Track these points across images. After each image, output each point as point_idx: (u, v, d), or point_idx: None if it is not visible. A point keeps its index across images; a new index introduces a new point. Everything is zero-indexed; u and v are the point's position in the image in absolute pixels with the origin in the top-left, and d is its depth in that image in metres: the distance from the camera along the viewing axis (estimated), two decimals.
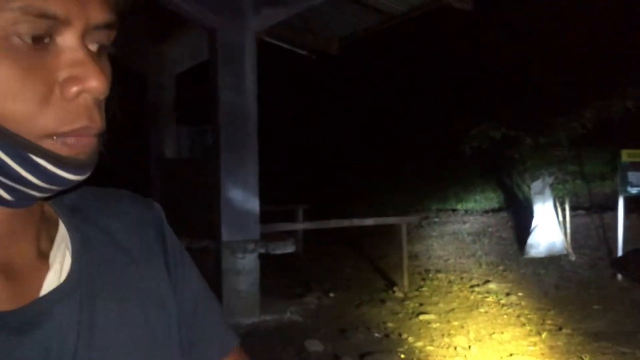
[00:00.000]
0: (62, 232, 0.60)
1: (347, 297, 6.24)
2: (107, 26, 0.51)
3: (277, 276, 6.81)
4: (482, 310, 5.65)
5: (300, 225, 7.87)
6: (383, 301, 6.01)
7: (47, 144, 0.48)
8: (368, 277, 7.14)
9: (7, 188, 0.49)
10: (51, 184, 0.50)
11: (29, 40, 0.46)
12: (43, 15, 0.46)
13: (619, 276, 6.47)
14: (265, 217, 5.56)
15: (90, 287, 0.58)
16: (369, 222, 6.84)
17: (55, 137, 0.48)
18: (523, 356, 4.43)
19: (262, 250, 5.32)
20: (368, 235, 8.85)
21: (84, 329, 0.55)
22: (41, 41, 0.47)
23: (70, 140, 0.49)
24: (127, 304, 0.60)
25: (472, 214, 9.84)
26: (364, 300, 6.09)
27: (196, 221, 5.55)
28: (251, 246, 5.20)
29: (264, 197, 5.51)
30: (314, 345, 4.68)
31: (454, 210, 10.29)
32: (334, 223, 6.69)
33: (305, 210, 8.82)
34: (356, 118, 14.40)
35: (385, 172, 12.42)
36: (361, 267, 7.67)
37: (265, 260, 5.56)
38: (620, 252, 6.84)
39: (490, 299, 6.02)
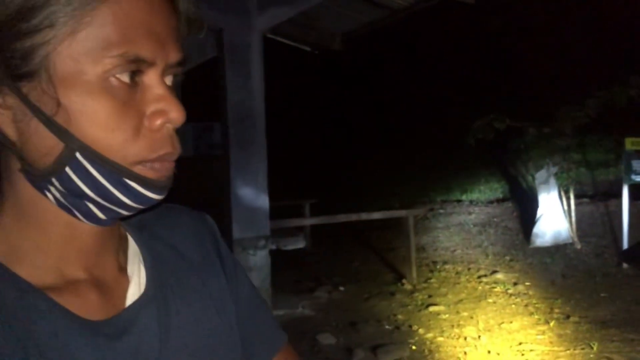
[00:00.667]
0: (133, 247, 0.67)
1: (357, 290, 6.31)
2: (180, 64, 0.59)
3: (287, 271, 6.88)
4: (490, 300, 5.71)
5: (308, 221, 7.89)
6: (392, 294, 6.07)
7: (138, 169, 0.55)
8: (377, 270, 7.20)
9: (103, 208, 0.56)
10: (139, 204, 0.57)
11: (125, 80, 0.53)
12: (136, 60, 0.53)
13: (625, 264, 6.53)
14: (272, 212, 5.60)
15: (163, 295, 0.65)
16: (377, 215, 6.85)
17: (144, 163, 0.55)
18: (532, 345, 4.49)
19: (273, 247, 5.38)
20: (375, 228, 8.91)
21: (163, 333, 0.62)
22: (133, 80, 0.54)
23: (156, 165, 0.56)
24: (194, 308, 0.67)
25: (477, 205, 9.88)
26: (373, 293, 6.16)
27: None
28: (262, 242, 5.25)
29: (271, 193, 5.55)
30: (327, 339, 4.77)
31: (459, 201, 10.33)
32: (342, 217, 6.68)
33: (312, 205, 8.86)
34: (361, 113, 14.43)
35: (390, 165, 12.46)
36: (369, 260, 7.73)
37: (275, 256, 5.62)
38: (625, 240, 6.89)
39: (498, 289, 6.08)
